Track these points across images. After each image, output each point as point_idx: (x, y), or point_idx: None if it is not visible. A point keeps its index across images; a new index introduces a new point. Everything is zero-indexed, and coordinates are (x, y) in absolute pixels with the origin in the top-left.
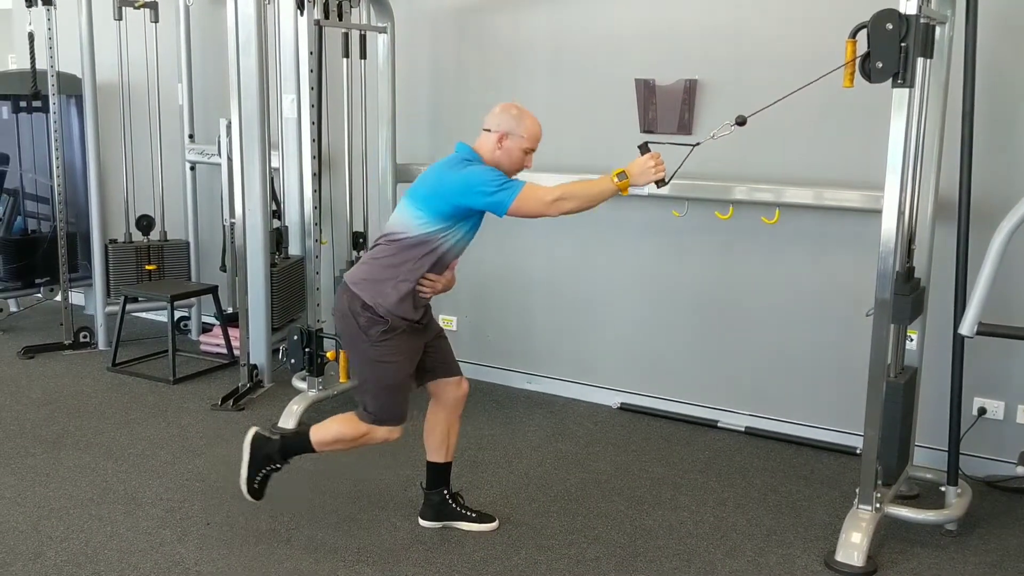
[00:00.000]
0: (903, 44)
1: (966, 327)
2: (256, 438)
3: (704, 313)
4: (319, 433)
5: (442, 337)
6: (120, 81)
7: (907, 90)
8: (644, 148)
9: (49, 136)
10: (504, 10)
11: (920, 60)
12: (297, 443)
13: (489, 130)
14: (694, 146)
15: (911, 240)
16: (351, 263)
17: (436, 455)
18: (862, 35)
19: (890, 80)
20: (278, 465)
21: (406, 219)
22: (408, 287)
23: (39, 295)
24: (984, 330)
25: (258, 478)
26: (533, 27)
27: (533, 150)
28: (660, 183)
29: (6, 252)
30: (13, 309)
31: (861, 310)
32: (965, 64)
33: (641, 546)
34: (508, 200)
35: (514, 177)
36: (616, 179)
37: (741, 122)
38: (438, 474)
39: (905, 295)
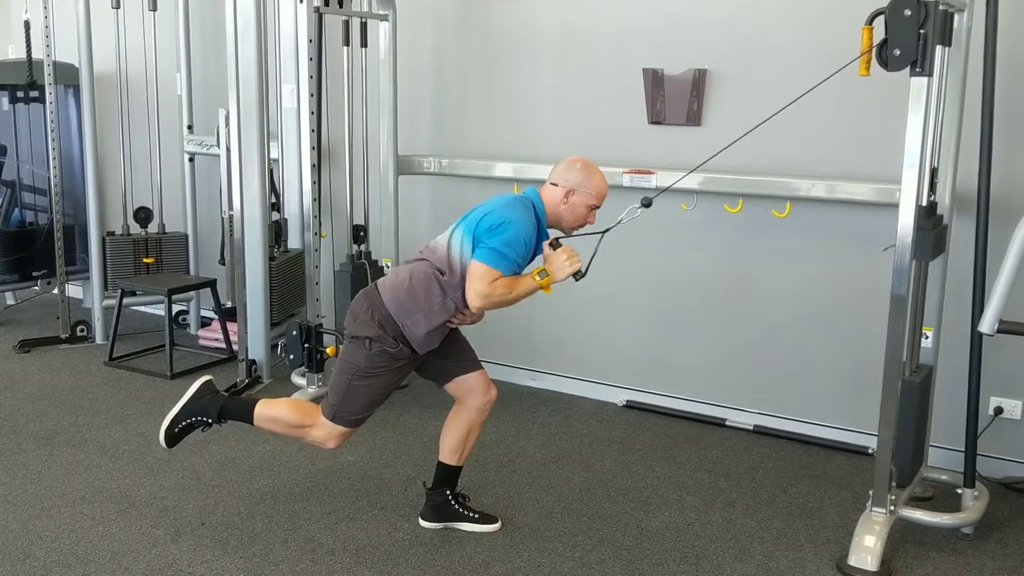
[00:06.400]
0: (922, 31)
1: (986, 325)
2: (204, 387)
3: (712, 309)
4: (265, 407)
5: (454, 332)
6: (118, 71)
7: (925, 79)
8: (555, 244)
9: (46, 127)
10: None
11: (939, 48)
12: (240, 408)
13: (556, 184)
14: (603, 232)
15: (934, 174)
16: (351, 257)
17: (449, 457)
18: (879, 22)
19: (907, 69)
20: (209, 422)
21: (454, 244)
22: (441, 320)
23: (36, 288)
24: (1004, 328)
25: (182, 425)
26: (538, 14)
27: (598, 207)
28: (578, 275)
29: (3, 244)
30: (10, 302)
31: (874, 306)
32: (985, 53)
33: (647, 548)
34: (482, 260)
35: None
36: (538, 278)
37: (647, 204)
38: (446, 476)
39: (927, 230)
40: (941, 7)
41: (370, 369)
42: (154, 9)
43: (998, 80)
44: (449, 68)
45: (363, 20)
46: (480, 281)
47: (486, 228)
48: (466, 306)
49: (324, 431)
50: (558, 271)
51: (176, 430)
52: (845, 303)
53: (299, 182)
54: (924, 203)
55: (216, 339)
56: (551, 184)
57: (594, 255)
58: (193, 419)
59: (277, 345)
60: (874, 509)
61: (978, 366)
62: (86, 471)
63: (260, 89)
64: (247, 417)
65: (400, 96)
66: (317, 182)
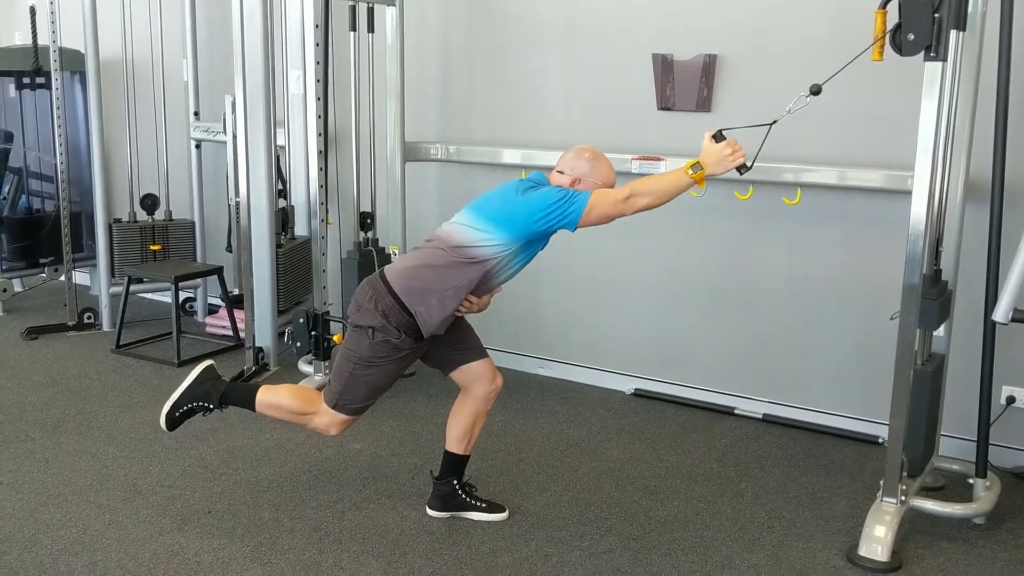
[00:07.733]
0: (936, 15)
1: (1001, 313)
2: (206, 371)
3: (721, 296)
4: (267, 393)
5: (459, 320)
6: (124, 57)
7: (939, 64)
8: (719, 136)
9: (52, 113)
10: None
11: (953, 33)
12: (241, 394)
13: (563, 172)
14: (771, 124)
15: (938, 242)
16: (358, 244)
17: (456, 446)
18: (893, 5)
19: (921, 54)
20: (210, 407)
21: (470, 232)
22: (453, 305)
23: (43, 275)
24: (1019, 316)
25: (183, 409)
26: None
27: None
28: (742, 168)
29: (10, 231)
30: (18, 289)
31: (885, 294)
32: (1000, 37)
33: (656, 538)
34: (579, 211)
35: None
36: (691, 171)
37: (816, 91)
38: (453, 465)
39: (932, 299)
40: None
41: (373, 358)
42: None
43: (1014, 65)
44: (456, 53)
45: (370, 5)
46: (602, 204)
47: (545, 210)
48: (477, 292)
49: (326, 418)
50: (717, 164)
51: (177, 414)
52: (856, 291)
53: (306, 169)
54: (928, 272)
55: (223, 326)
56: (558, 172)
57: (761, 147)
58: (194, 404)
59: (284, 332)
60: (885, 499)
61: (991, 355)
62: (93, 459)
63: (266, 75)
64: (248, 403)
65: (407, 82)
66: (324, 169)
